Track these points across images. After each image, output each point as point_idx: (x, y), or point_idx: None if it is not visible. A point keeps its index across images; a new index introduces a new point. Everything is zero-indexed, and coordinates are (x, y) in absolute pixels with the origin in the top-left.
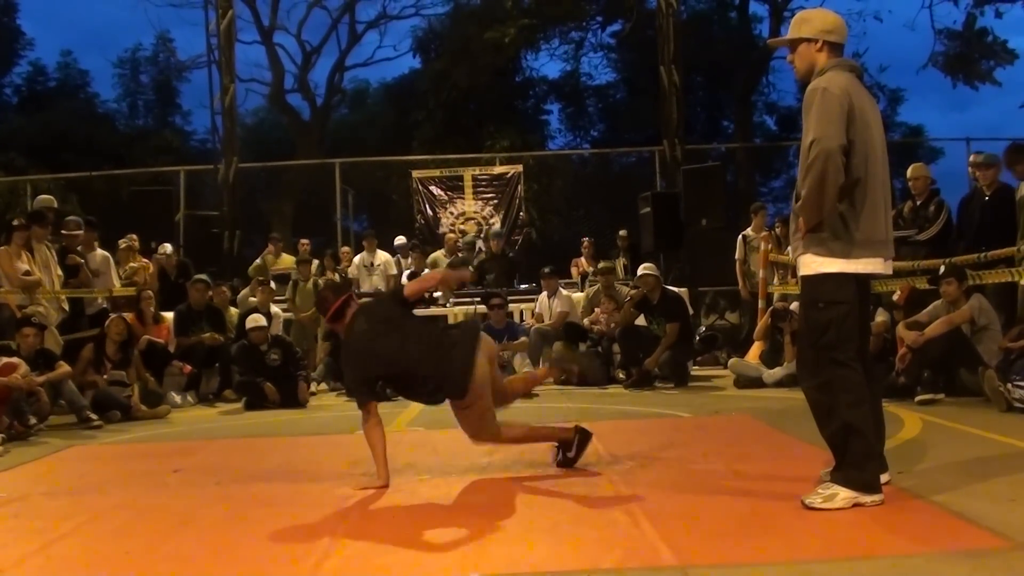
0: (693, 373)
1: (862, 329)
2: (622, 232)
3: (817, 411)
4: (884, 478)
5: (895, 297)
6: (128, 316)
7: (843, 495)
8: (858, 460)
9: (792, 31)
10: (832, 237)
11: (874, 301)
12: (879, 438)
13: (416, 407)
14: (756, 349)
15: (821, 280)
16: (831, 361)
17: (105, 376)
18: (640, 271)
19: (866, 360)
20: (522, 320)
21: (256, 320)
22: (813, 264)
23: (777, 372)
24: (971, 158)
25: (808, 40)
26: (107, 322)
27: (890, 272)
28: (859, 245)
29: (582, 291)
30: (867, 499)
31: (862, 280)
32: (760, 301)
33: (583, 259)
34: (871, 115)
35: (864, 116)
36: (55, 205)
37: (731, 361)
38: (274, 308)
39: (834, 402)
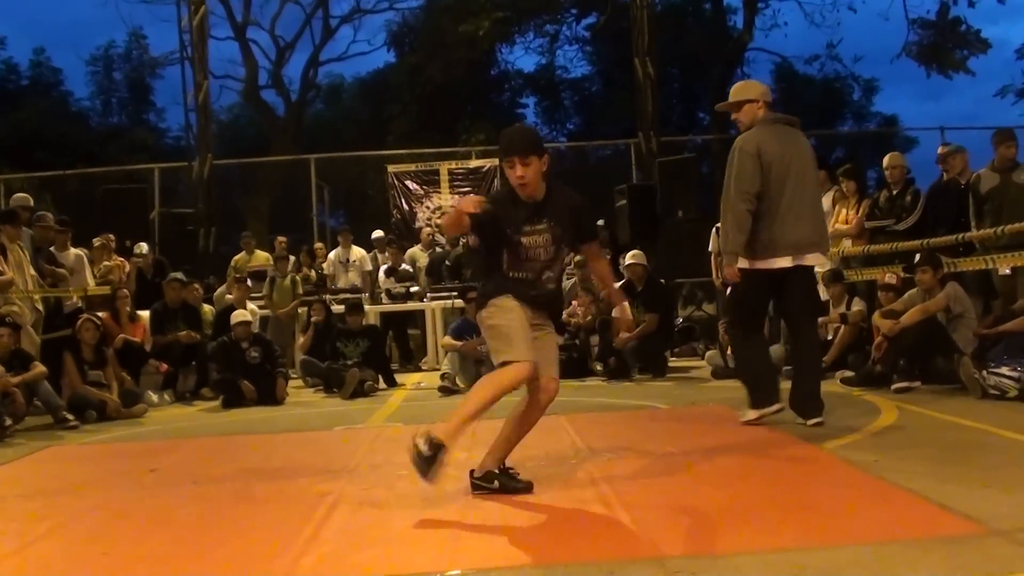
0: (671, 364)
1: (790, 307)
2: (600, 222)
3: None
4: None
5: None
6: (103, 315)
7: (751, 413)
8: (757, 389)
9: (740, 95)
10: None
11: (849, 291)
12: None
13: (395, 403)
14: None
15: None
16: (735, 326)
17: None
18: (628, 260)
19: (797, 324)
20: None
21: (242, 315)
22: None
23: None
24: (939, 150)
25: (752, 100)
26: (77, 325)
27: (810, 264)
28: (763, 247)
29: None
30: (767, 409)
31: (772, 273)
32: None
33: None
34: (789, 151)
35: (779, 157)
36: (31, 203)
37: (709, 353)
38: (250, 305)
39: (741, 355)
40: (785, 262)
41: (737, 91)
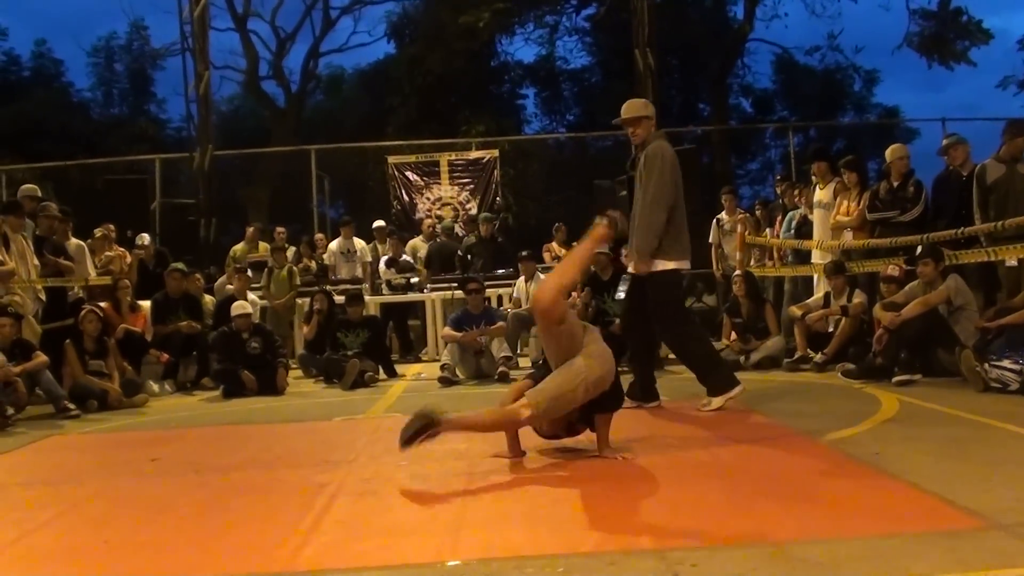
0: (670, 356)
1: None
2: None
3: (676, 353)
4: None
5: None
6: (104, 305)
7: (716, 401)
8: (713, 374)
9: (640, 112)
10: (668, 249)
11: (850, 283)
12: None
13: (395, 393)
14: (727, 326)
15: (662, 273)
16: (672, 326)
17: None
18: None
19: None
20: (500, 305)
21: (242, 307)
22: (658, 264)
23: (755, 355)
24: (943, 141)
25: (648, 118)
26: (80, 316)
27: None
28: (680, 250)
29: None
30: (732, 392)
31: (683, 272)
32: None
33: (555, 244)
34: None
35: (679, 170)
36: (39, 194)
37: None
38: (250, 296)
39: (688, 350)
40: (687, 263)
41: (637, 108)
